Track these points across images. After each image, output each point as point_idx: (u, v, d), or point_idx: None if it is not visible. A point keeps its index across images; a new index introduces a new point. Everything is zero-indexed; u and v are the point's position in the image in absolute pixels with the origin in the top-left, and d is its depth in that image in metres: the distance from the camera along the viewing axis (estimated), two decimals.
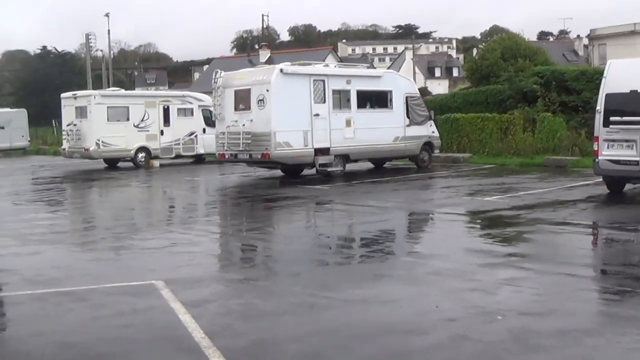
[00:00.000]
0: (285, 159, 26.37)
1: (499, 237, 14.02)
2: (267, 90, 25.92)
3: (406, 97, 30.33)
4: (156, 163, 37.75)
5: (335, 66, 29.69)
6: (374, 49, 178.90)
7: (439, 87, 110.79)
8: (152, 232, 15.86)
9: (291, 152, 26.15)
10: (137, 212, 20.43)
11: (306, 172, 28.06)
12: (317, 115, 26.76)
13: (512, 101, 38.94)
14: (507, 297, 9.47)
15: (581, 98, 35.82)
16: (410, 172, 29.49)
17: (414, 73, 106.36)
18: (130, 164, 37.46)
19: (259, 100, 26.16)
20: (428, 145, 31.57)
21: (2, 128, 56.23)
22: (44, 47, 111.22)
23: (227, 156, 27.49)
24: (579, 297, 9.40)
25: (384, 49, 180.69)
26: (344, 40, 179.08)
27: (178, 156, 39.03)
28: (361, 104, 28.65)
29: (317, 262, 12.17)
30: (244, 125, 26.43)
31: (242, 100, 26.91)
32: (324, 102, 27.13)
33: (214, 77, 28.20)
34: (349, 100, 28.20)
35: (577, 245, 13.34)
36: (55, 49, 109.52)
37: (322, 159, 26.92)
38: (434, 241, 14.00)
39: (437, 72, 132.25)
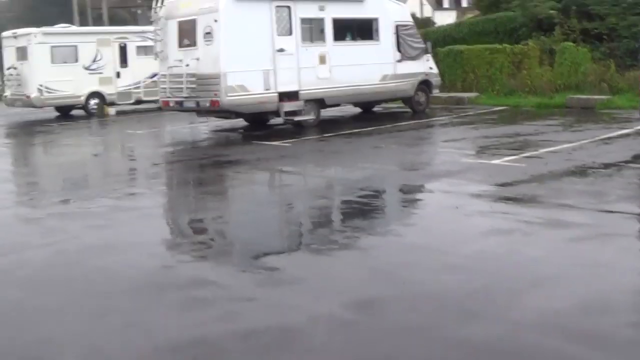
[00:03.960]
0: (240, 107, 20.82)
1: (507, 251, 8.43)
2: (215, 21, 20.32)
3: (396, 26, 24.56)
4: (112, 111, 32.26)
5: None
6: None
7: (449, 19, 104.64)
8: None
9: (247, 99, 20.59)
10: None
11: (276, 120, 22.50)
12: (281, 50, 21.19)
13: (525, 30, 33.56)
14: None
15: (606, 25, 30.55)
16: (403, 118, 24.02)
17: (422, 4, 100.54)
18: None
19: (206, 33, 20.62)
20: (425, 85, 25.77)
21: None
22: None
23: (171, 104, 21.98)
24: None
25: None
26: None
27: (139, 102, 33.33)
28: (339, 36, 22.94)
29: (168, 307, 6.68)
30: (187, 65, 20.93)
31: (187, 34, 21.33)
32: (290, 33, 21.52)
33: (154, 5, 22.58)
34: (322, 31, 22.54)
35: None
36: None
37: (288, 106, 21.38)
38: (396, 264, 8.20)
39: (446, 3, 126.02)
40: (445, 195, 11.56)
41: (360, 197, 11.83)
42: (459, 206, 10.61)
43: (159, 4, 22.19)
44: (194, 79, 20.68)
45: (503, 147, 16.20)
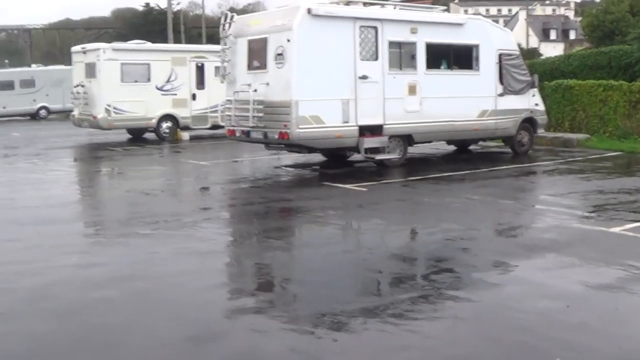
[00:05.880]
0: (312, 141, 18.05)
1: None
2: (288, 41, 17.65)
3: (499, 55, 21.54)
4: (185, 135, 30.09)
5: (394, 7, 20.62)
6: (487, 10, 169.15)
7: (554, 51, 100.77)
8: None
9: (322, 132, 17.86)
10: None
11: (357, 156, 19.65)
12: (364, 77, 18.43)
13: None
14: None
15: None
16: (502, 161, 21.05)
17: (527, 35, 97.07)
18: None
19: (277, 54, 18.00)
20: (529, 123, 22.69)
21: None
22: (147, 4, 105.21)
23: (237, 134, 19.38)
24: None
25: (497, 10, 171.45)
26: (456, 0, 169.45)
27: (215, 127, 30.89)
28: (432, 63, 20.09)
29: None
30: (255, 90, 18.30)
31: (257, 54, 18.74)
32: (376, 59, 18.76)
33: (222, 21, 20.03)
34: (414, 57, 19.72)
35: None
36: (158, 6, 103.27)
37: (369, 142, 18.58)
38: None
39: (553, 35, 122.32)
40: (550, 283, 8.43)
41: (430, 278, 8.80)
42: (570, 305, 7.55)
43: (227, 20, 19.65)
44: (261, 106, 18.09)
45: (622, 208, 13.11)
